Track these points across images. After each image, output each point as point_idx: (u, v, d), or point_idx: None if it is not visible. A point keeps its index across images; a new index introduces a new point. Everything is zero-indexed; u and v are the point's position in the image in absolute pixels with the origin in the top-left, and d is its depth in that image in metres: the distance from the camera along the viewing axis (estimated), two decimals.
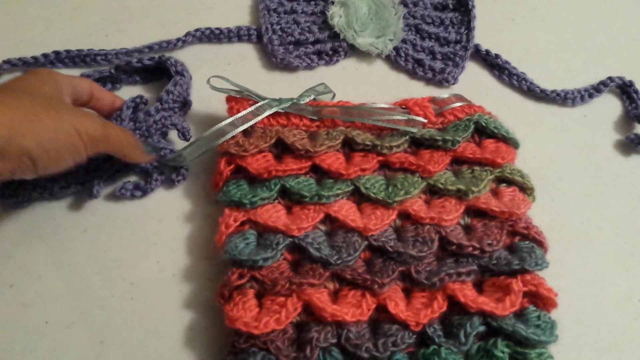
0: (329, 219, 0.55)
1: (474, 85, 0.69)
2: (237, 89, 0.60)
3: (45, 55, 0.65)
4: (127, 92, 0.65)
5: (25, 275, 0.55)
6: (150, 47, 0.66)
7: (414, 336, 0.49)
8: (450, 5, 0.72)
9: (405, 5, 0.71)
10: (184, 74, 0.63)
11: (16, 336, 0.52)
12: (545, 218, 0.60)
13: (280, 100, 0.59)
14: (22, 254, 0.56)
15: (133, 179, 0.60)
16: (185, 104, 0.63)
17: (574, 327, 0.55)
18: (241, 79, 0.65)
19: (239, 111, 0.59)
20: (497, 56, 0.69)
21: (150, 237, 0.57)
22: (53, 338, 0.52)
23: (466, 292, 0.51)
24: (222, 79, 0.59)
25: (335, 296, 0.52)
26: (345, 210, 0.55)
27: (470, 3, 0.70)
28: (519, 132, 0.63)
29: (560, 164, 0.64)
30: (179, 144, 0.61)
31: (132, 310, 0.54)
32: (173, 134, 0.62)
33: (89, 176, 0.57)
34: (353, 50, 0.69)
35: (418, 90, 0.68)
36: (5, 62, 0.65)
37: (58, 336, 0.52)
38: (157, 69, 0.65)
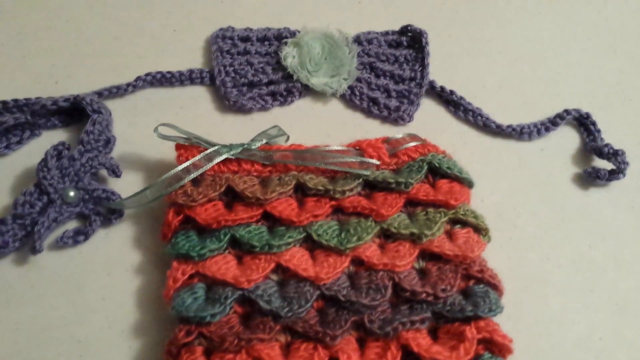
0: (280, 269, 0.54)
1: (430, 122, 0.68)
2: (186, 136, 0.59)
3: None
4: (48, 137, 0.64)
5: None
6: (99, 94, 0.65)
7: None
8: (405, 43, 0.71)
9: (359, 43, 0.70)
10: (102, 111, 0.62)
11: None
12: (503, 256, 0.59)
13: (230, 146, 0.58)
14: None
15: (72, 225, 0.58)
16: (108, 141, 0.61)
17: None
18: (194, 123, 0.65)
19: (187, 159, 0.58)
20: (452, 92, 0.68)
21: (99, 292, 0.56)
22: None
23: (420, 342, 0.50)
24: (170, 126, 0.58)
25: (287, 349, 0.51)
26: (297, 259, 0.54)
27: (423, 40, 0.70)
28: (476, 168, 0.62)
29: (518, 199, 0.64)
30: (110, 181, 0.61)
31: None
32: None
33: (26, 231, 0.56)
34: (307, 90, 0.68)
35: (374, 128, 0.67)
36: None
37: None
38: (75, 109, 0.63)
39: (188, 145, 0.59)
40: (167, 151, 0.61)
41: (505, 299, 0.55)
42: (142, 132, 0.64)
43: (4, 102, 0.64)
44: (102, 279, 0.56)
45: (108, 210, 0.59)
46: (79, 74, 0.68)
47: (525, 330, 0.56)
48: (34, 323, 0.54)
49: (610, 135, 0.67)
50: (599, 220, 0.63)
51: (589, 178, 0.65)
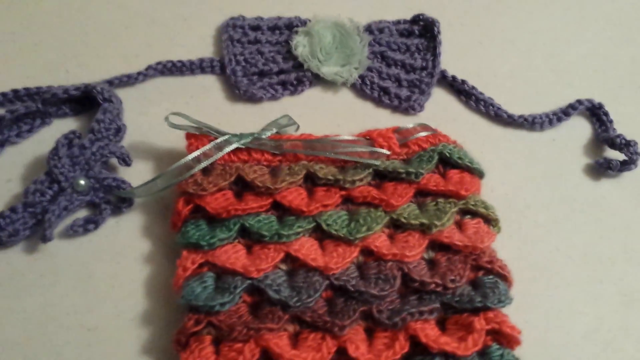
0: (289, 258, 0.54)
1: (441, 112, 0.68)
2: (197, 125, 0.59)
3: (3, 94, 0.64)
4: (59, 125, 0.64)
5: None
6: (110, 82, 0.65)
7: None
8: (416, 32, 0.71)
9: (371, 32, 0.70)
10: (112, 99, 0.62)
11: None
12: (513, 247, 0.59)
13: (240, 136, 0.58)
14: None
15: (82, 214, 0.59)
16: (119, 130, 0.62)
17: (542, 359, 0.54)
18: (204, 112, 0.65)
19: (198, 148, 0.58)
20: (463, 82, 0.68)
21: (108, 280, 0.56)
22: None
23: (428, 332, 0.50)
24: (181, 115, 0.58)
25: (295, 339, 0.51)
26: (306, 249, 0.54)
27: (435, 29, 0.70)
28: (487, 158, 0.62)
29: (528, 190, 0.63)
30: (121, 170, 0.61)
31: (89, 357, 0.52)
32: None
33: (36, 220, 0.56)
34: (318, 80, 0.68)
35: (384, 118, 0.67)
36: None
37: None
38: (86, 98, 0.63)
39: (198, 135, 0.59)
40: (177, 140, 0.61)
41: (514, 289, 0.54)
42: (152, 121, 0.64)
43: (15, 91, 0.64)
44: (111, 268, 0.57)
45: (118, 199, 0.59)
46: (90, 63, 0.68)
47: (534, 322, 0.56)
48: (43, 311, 0.54)
49: (622, 126, 0.67)
50: (610, 212, 0.63)
51: (601, 169, 0.64)
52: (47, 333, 0.53)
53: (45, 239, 0.55)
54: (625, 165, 0.63)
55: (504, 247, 0.57)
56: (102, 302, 0.55)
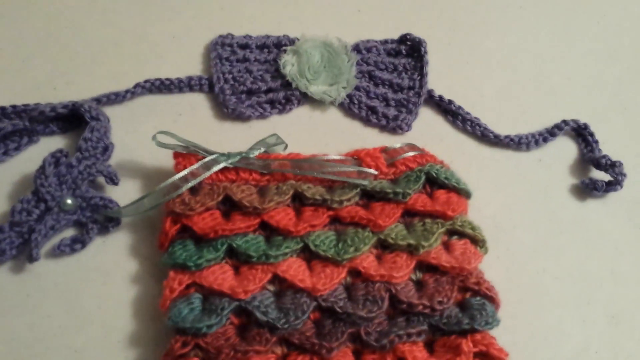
0: (277, 279, 0.54)
1: (428, 131, 0.68)
2: (184, 144, 0.59)
3: None
4: (46, 143, 0.63)
5: None
6: (98, 100, 0.65)
7: None
8: (404, 51, 0.72)
9: (359, 51, 0.70)
10: (100, 117, 0.61)
11: None
12: (500, 267, 0.60)
13: (228, 155, 0.58)
14: None
15: (69, 233, 0.58)
16: (106, 148, 0.61)
17: None
18: (193, 130, 0.65)
19: (185, 167, 0.58)
20: (450, 102, 0.68)
21: (95, 301, 0.56)
22: None
23: (416, 355, 0.50)
24: (168, 134, 0.58)
25: None
26: (294, 269, 0.54)
27: (422, 49, 0.70)
28: (473, 178, 0.63)
29: (515, 210, 0.64)
30: (108, 189, 0.61)
31: None
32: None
33: (23, 239, 0.56)
34: (306, 99, 0.68)
35: (372, 137, 0.67)
36: None
37: None
38: (73, 116, 0.63)
39: (186, 154, 0.59)
40: (165, 158, 0.61)
41: (501, 310, 0.55)
42: (140, 139, 0.64)
43: (2, 108, 0.64)
44: (98, 288, 0.56)
45: (105, 218, 0.59)
46: (78, 80, 0.68)
47: (522, 343, 0.56)
48: (30, 332, 0.54)
49: (608, 146, 0.67)
50: (596, 232, 0.63)
51: (587, 189, 0.65)
52: (34, 354, 0.53)
53: (31, 259, 0.55)
54: (610, 186, 0.64)
55: (491, 268, 0.58)
56: (89, 323, 0.55)
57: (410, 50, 0.72)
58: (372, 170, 0.59)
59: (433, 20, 0.76)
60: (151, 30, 0.72)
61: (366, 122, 0.68)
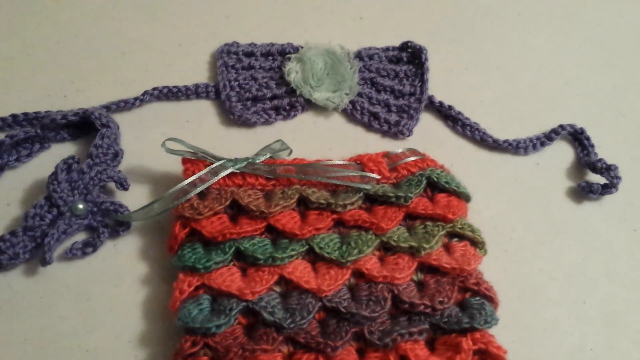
0: (283, 280, 0.56)
1: (429, 136, 0.70)
2: (193, 150, 0.60)
3: (2, 119, 0.65)
4: (57, 150, 0.66)
5: None
6: (107, 107, 0.67)
7: None
8: (405, 58, 0.74)
9: (361, 59, 0.72)
10: (110, 125, 0.63)
11: None
12: (498, 268, 0.61)
13: (235, 161, 0.60)
14: None
15: (81, 237, 0.60)
16: (116, 155, 0.63)
17: None
18: (200, 136, 0.67)
19: (194, 173, 0.59)
20: (450, 107, 0.70)
21: (106, 302, 0.57)
22: None
23: (418, 352, 0.52)
24: (177, 141, 0.60)
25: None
26: (300, 271, 0.56)
27: (423, 56, 0.72)
28: (473, 181, 0.64)
29: (513, 213, 0.65)
30: (118, 194, 0.63)
31: None
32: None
33: (36, 243, 0.57)
34: (310, 105, 0.70)
35: (374, 142, 0.69)
36: None
37: None
38: (84, 123, 0.65)
39: (194, 160, 0.61)
40: (173, 164, 0.63)
41: (500, 309, 0.56)
42: (149, 145, 0.66)
43: (14, 116, 0.66)
44: (109, 290, 0.58)
45: (116, 223, 0.60)
46: (88, 88, 0.70)
47: (520, 341, 0.57)
48: (43, 333, 0.56)
49: (603, 150, 0.69)
50: (592, 234, 0.65)
51: (583, 192, 0.66)
52: (47, 354, 0.55)
53: (44, 262, 0.57)
54: (606, 189, 0.65)
55: (490, 268, 0.59)
56: (101, 324, 0.56)
57: (411, 57, 0.74)
58: (374, 175, 0.61)
59: (433, 28, 0.78)
60: (158, 39, 0.74)
61: (368, 127, 0.70)
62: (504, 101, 0.73)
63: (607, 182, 0.66)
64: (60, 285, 0.58)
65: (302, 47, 0.72)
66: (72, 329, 0.56)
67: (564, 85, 0.75)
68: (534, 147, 0.69)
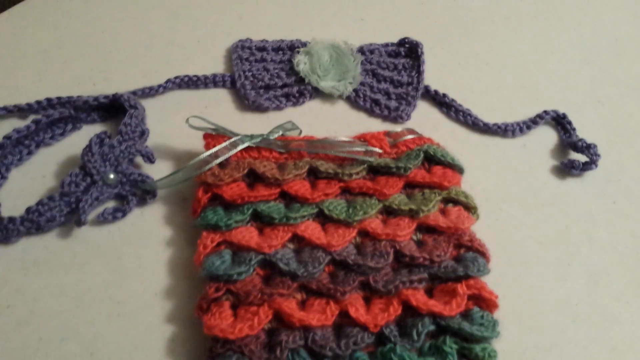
0: (296, 239, 0.62)
1: (425, 121, 0.77)
2: (213, 127, 0.67)
3: (38, 102, 0.72)
4: (88, 131, 0.72)
5: (21, 297, 0.60)
6: (134, 93, 0.74)
7: (373, 337, 0.55)
8: (402, 53, 0.81)
9: (363, 53, 0.80)
10: (137, 106, 0.70)
11: (12, 352, 0.57)
12: (490, 234, 0.66)
13: (252, 136, 0.67)
14: (17, 278, 0.61)
15: (111, 204, 0.66)
16: (143, 133, 0.70)
17: (518, 329, 0.61)
18: (217, 120, 0.72)
19: (214, 147, 0.66)
20: (444, 95, 0.77)
21: (134, 261, 0.63)
22: (46, 352, 0.57)
23: (418, 297, 0.57)
24: (199, 118, 0.66)
25: (302, 305, 0.58)
26: (311, 229, 0.61)
27: (419, 49, 0.79)
28: (465, 161, 0.70)
29: (502, 187, 0.72)
30: (145, 167, 0.69)
31: (118, 326, 0.59)
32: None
33: (71, 208, 0.63)
34: (317, 93, 0.77)
35: (375, 126, 0.76)
36: (1, 108, 0.71)
37: (51, 350, 0.57)
38: (112, 107, 0.72)
39: (215, 135, 0.67)
40: (194, 143, 0.69)
41: (492, 271, 0.61)
42: (171, 128, 0.72)
43: (49, 99, 0.72)
44: (137, 251, 0.64)
45: (143, 192, 0.66)
46: (115, 78, 0.77)
47: (509, 296, 0.62)
48: (77, 286, 0.61)
49: (584, 135, 0.76)
50: (574, 205, 0.71)
51: (565, 169, 0.73)
52: (81, 305, 0.60)
53: (79, 223, 0.62)
54: (586, 165, 0.72)
55: (482, 236, 0.64)
56: (130, 279, 0.62)
57: (409, 51, 0.81)
58: (377, 149, 0.68)
59: (428, 29, 0.86)
60: (178, 36, 0.82)
61: (370, 113, 0.77)
62: (493, 92, 0.81)
63: (587, 159, 0.72)
64: (92, 246, 0.64)
65: (309, 43, 0.79)
66: (103, 283, 0.61)
67: (547, 77, 0.83)
68: (521, 130, 0.76)
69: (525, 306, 0.63)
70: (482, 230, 0.66)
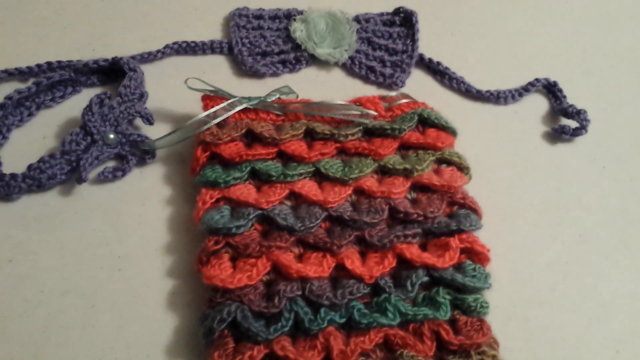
0: (293, 196, 0.63)
1: (419, 88, 0.78)
2: (212, 88, 0.68)
3: (38, 66, 0.73)
4: (88, 94, 0.72)
5: (23, 251, 0.61)
6: (133, 58, 0.75)
7: (368, 288, 0.57)
8: (397, 22, 0.82)
9: (358, 22, 0.81)
10: (136, 69, 0.71)
11: (14, 304, 0.58)
12: (483, 195, 0.68)
13: (249, 98, 0.68)
14: (19, 233, 0.62)
15: (111, 164, 0.68)
16: (142, 95, 0.71)
17: (510, 286, 0.63)
18: (215, 85, 0.74)
19: (213, 107, 0.67)
20: (438, 63, 0.79)
21: (135, 218, 0.64)
22: (48, 305, 0.58)
23: (412, 250, 0.59)
24: (198, 80, 0.67)
25: (299, 259, 0.59)
26: (308, 187, 0.63)
27: (414, 18, 0.81)
28: (459, 127, 0.71)
29: (495, 152, 0.73)
30: (144, 129, 0.70)
31: (119, 279, 0.60)
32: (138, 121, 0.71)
33: (71, 166, 0.64)
34: (313, 60, 0.79)
35: (370, 93, 0.77)
36: (2, 71, 0.72)
37: (53, 303, 0.58)
38: (111, 71, 0.73)
39: (213, 96, 0.68)
40: (192, 106, 0.70)
41: (484, 231, 0.63)
42: (170, 91, 0.73)
43: (49, 63, 0.73)
44: (137, 208, 0.65)
45: (142, 152, 0.68)
46: (114, 44, 0.78)
47: (501, 254, 0.64)
48: (78, 242, 0.62)
49: (573, 102, 0.77)
50: (565, 169, 0.73)
51: (556, 134, 0.75)
52: (82, 260, 0.61)
53: (80, 180, 0.63)
54: (577, 131, 0.74)
55: (475, 196, 0.66)
56: (130, 235, 0.63)
57: (403, 20, 0.83)
58: (372, 112, 0.69)
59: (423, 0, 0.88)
60: (176, 4, 0.83)
61: (366, 80, 0.79)
62: (485, 61, 0.82)
63: (577, 125, 0.74)
64: (92, 203, 0.65)
65: (306, 11, 0.81)
66: (103, 239, 0.63)
67: (539, 47, 0.84)
68: (513, 98, 0.78)
69: (517, 264, 0.65)
70: (474, 192, 0.67)
